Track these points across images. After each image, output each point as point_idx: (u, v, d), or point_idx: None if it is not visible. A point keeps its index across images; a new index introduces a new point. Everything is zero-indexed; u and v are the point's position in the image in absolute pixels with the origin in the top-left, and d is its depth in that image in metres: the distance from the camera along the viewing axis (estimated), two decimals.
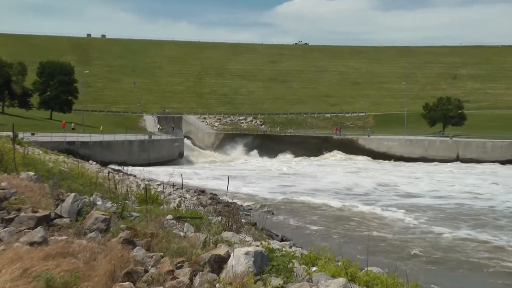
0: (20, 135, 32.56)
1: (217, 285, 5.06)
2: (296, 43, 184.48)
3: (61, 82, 79.18)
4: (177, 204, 13.40)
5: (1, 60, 76.68)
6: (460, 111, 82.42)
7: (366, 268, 6.30)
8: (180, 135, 71.80)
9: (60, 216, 6.85)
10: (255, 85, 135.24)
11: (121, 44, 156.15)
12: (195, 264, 5.52)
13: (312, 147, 71.63)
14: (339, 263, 6.58)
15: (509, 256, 18.08)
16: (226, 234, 7.86)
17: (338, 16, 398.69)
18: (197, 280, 5.19)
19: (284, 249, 6.76)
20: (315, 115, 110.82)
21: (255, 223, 17.58)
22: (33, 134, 43.27)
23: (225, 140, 79.55)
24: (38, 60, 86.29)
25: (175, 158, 61.31)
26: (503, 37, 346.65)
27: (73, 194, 7.34)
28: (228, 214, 10.00)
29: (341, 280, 5.09)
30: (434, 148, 64.93)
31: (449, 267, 16.87)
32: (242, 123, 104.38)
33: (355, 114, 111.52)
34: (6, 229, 6.19)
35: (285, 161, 65.97)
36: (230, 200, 22.53)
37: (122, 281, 4.95)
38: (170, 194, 24.51)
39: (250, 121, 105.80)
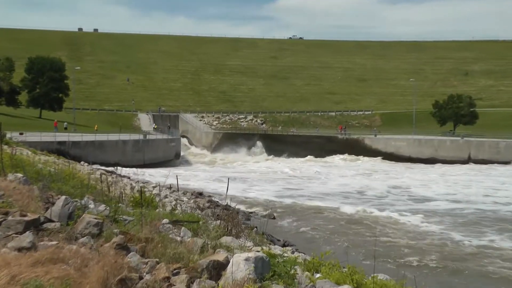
0: (8, 135, 32.52)
1: None
2: (290, 38, 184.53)
3: (51, 78, 79.19)
4: (173, 207, 13.40)
5: None
6: (471, 109, 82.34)
7: (372, 275, 6.28)
8: (177, 135, 71.82)
9: (50, 220, 6.84)
10: (255, 82, 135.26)
11: (115, 39, 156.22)
12: (192, 271, 5.52)
13: (316, 147, 71.65)
14: (345, 270, 6.57)
15: None
16: (225, 239, 7.86)
17: (342, 10, 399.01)
18: (194, 287, 5.18)
19: (286, 254, 6.76)
20: (319, 114, 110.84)
21: (256, 228, 17.58)
22: (21, 133, 43.25)
23: (224, 140, 79.58)
24: (27, 56, 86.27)
25: (171, 158, 61.32)
26: None
27: (63, 197, 7.33)
28: (227, 218, 10.01)
29: (346, 287, 5.09)
30: (445, 148, 64.91)
31: (467, 277, 16.45)
32: (242, 122, 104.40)
33: (361, 113, 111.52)
34: None
35: (288, 162, 66.00)
36: (229, 203, 22.55)
37: None
38: (166, 196, 24.51)
39: (250, 120, 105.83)
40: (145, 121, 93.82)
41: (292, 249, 15.99)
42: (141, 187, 17.07)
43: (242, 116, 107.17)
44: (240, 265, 5.33)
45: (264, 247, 8.60)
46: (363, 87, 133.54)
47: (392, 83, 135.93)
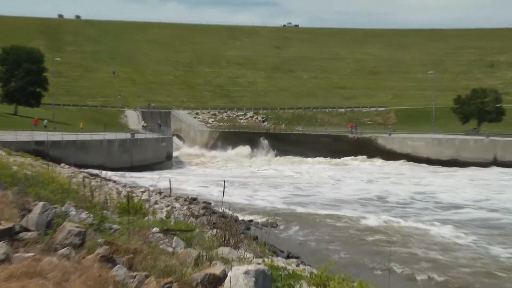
0: None
1: None
2: (284, 25, 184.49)
3: (28, 71, 79.11)
4: (165, 214, 13.40)
5: None
6: (498, 105, 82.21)
7: None
8: (168, 134, 71.79)
9: (26, 229, 6.83)
10: (256, 75, 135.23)
11: (99, 27, 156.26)
12: (185, 285, 5.51)
13: (323, 147, 71.63)
14: (355, 284, 6.56)
15: None
16: (222, 250, 7.85)
17: None
18: None
19: (290, 267, 6.74)
20: (327, 110, 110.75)
21: (257, 237, 17.56)
22: None
23: (221, 139, 79.58)
24: (1, 46, 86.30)
25: (163, 160, 61.29)
26: None
27: (41, 203, 7.32)
28: (225, 226, 9.99)
29: None
30: (467, 149, 64.85)
31: None
32: (241, 119, 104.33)
33: (374, 109, 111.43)
34: None
35: (293, 164, 65.97)
36: (227, 210, 22.55)
37: None
38: (156, 202, 24.51)
39: (250, 117, 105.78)
40: (133, 118, 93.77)
41: (297, 261, 15.98)
42: (128, 192, 17.06)
43: (241, 113, 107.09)
44: (238, 279, 5.32)
45: (265, 259, 8.58)
46: (377, 80, 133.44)
47: (408, 76, 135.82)
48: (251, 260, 7.89)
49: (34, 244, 6.26)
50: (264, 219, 27.48)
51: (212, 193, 37.14)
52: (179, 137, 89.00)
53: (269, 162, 69.27)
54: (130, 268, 6.03)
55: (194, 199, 32.44)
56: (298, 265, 13.47)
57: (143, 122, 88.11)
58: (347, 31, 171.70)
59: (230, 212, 14.49)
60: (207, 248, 7.53)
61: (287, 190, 41.61)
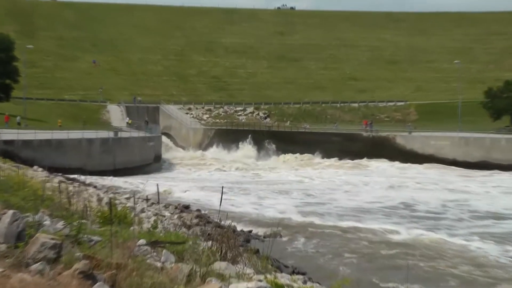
0: None
1: None
2: (278, 8, 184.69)
3: None
4: (152, 224, 13.38)
5: None
6: None
7: None
8: (157, 132, 71.80)
9: None
10: (257, 65, 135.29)
11: (77, 10, 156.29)
12: None
13: (334, 147, 71.57)
14: None
15: None
16: (219, 265, 7.83)
17: None
18: None
19: (295, 284, 6.73)
20: (338, 105, 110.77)
21: (258, 250, 17.54)
22: None
23: (217, 138, 79.59)
24: None
25: (150, 162, 61.28)
26: None
27: (11, 212, 7.31)
28: (221, 238, 9.97)
29: None
30: (499, 149, 64.70)
31: None
32: (240, 115, 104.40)
33: (392, 104, 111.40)
34: None
35: (301, 167, 65.96)
36: (225, 220, 22.53)
37: None
38: (142, 211, 24.50)
39: (250, 113, 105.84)
40: (116, 114, 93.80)
41: (304, 277, 15.96)
42: (110, 198, 17.04)
43: (240, 108, 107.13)
44: None
45: (268, 275, 8.57)
46: (395, 71, 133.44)
47: (431, 66, 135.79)
48: (252, 277, 7.89)
49: (2, 259, 6.25)
50: (268, 230, 27.28)
51: (209, 200, 37.09)
52: (169, 136, 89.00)
53: (272, 164, 69.27)
54: (113, 286, 6.02)
55: (186, 207, 32.42)
56: (305, 282, 13.46)
57: (127, 118, 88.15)
58: (361, 14, 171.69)
59: (228, 222, 14.50)
60: (201, 263, 7.52)
61: (297, 198, 41.41)
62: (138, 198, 26.27)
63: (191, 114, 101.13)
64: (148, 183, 24.84)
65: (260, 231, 27.53)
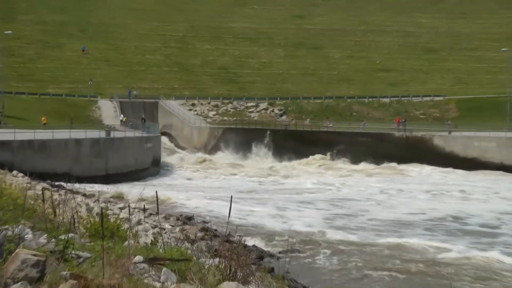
0: None
1: None
2: None
3: None
4: (152, 240, 13.39)
5: None
6: None
7: None
8: (155, 131, 71.90)
9: None
10: (271, 54, 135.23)
11: None
12: None
13: (361, 150, 71.41)
14: None
15: None
16: (227, 286, 7.82)
17: None
18: None
19: None
20: (366, 100, 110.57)
21: (272, 269, 17.51)
22: None
23: (225, 138, 79.50)
24: None
25: (147, 166, 61.38)
26: None
27: None
28: (230, 254, 9.94)
29: None
30: None
31: None
32: (252, 112, 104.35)
33: (428, 99, 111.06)
34: None
35: (324, 172, 65.79)
36: (234, 233, 22.51)
37: None
38: (139, 222, 24.55)
39: (264, 109, 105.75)
40: (108, 110, 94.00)
41: None
42: (102, 208, 17.05)
43: (251, 104, 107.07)
44: None
45: None
46: (432, 60, 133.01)
47: (475, 54, 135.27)
48: None
49: None
50: (289, 246, 26.98)
51: (213, 210, 37.10)
52: (170, 136, 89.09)
53: (291, 169, 69.19)
54: None
55: (190, 218, 32.45)
56: None
57: (122, 116, 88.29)
58: None
59: (237, 236, 14.47)
60: (207, 283, 7.51)
61: (322, 208, 41.23)
62: (134, 208, 26.26)
63: (195, 110, 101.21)
64: (146, 191, 24.75)
65: (279, 247, 27.40)
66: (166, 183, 55.53)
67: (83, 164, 52.00)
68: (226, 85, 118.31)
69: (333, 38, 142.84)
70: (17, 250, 6.92)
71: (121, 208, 30.88)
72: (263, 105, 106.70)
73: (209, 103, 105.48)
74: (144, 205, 25.82)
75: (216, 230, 28.75)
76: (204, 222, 31.92)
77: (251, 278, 9.89)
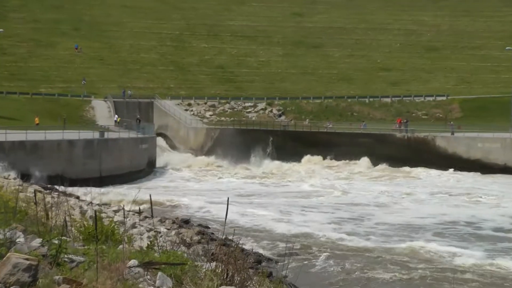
0: None
1: None
2: None
3: None
4: (146, 242, 13.40)
5: None
6: None
7: None
8: (151, 132, 71.90)
9: None
10: (270, 53, 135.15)
11: None
12: None
13: (362, 151, 71.44)
14: None
15: None
16: None
17: None
18: None
19: None
20: (366, 100, 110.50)
21: (271, 273, 17.52)
22: None
23: (222, 139, 79.35)
24: None
25: (143, 168, 61.39)
26: None
27: None
28: (227, 258, 9.95)
29: None
30: None
31: None
32: (250, 112, 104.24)
33: (431, 99, 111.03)
34: None
35: (325, 175, 65.69)
36: (231, 237, 22.56)
37: None
38: (134, 226, 24.54)
39: (262, 109, 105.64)
40: (102, 111, 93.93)
41: None
42: (96, 211, 17.05)
43: (249, 104, 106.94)
44: None
45: None
46: (435, 59, 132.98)
47: (479, 53, 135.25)
48: None
49: None
50: (291, 250, 26.86)
51: (210, 213, 37.17)
52: (165, 137, 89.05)
53: (289, 171, 69.16)
54: None
55: (186, 221, 32.46)
56: None
57: (116, 116, 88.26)
58: None
59: (235, 240, 14.46)
60: (204, 287, 7.52)
61: (327, 212, 41.24)
62: (129, 211, 26.28)
63: (191, 111, 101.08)
64: (140, 193, 24.70)
65: (281, 251, 27.35)
66: (162, 185, 55.56)
67: (77, 165, 52.02)
68: (223, 85, 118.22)
69: (333, 36, 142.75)
70: (8, 254, 6.92)
71: (115, 211, 30.89)
72: (261, 105, 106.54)
73: (205, 103, 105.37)
74: (139, 208, 25.88)
75: (212, 233, 28.80)
76: (201, 225, 31.94)
77: (249, 282, 9.90)
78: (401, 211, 42.49)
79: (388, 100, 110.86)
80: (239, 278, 9.54)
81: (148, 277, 8.36)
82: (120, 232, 14.19)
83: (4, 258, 6.79)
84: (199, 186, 57.06)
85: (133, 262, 8.77)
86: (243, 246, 24.94)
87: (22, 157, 47.55)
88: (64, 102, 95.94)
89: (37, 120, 71.30)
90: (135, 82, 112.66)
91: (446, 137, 71.39)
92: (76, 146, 53.43)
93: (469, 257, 27.26)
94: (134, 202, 24.68)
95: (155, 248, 11.96)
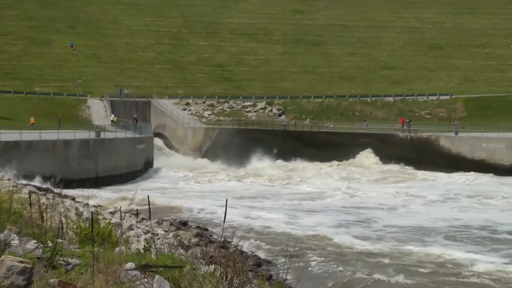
0: None
1: None
2: None
3: None
4: (145, 246, 13.40)
5: None
6: None
7: None
8: (148, 132, 71.91)
9: None
10: (270, 51, 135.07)
11: None
12: None
13: (364, 152, 71.49)
14: None
15: None
16: None
17: None
18: None
19: None
20: (368, 99, 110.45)
21: (271, 276, 17.52)
22: None
23: (221, 139, 79.34)
24: None
25: (140, 168, 61.40)
26: None
27: None
28: (226, 261, 9.96)
29: None
30: None
31: None
32: (249, 112, 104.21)
33: (434, 98, 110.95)
34: None
35: (326, 176, 65.65)
36: (231, 239, 22.52)
37: None
38: (131, 228, 24.55)
39: (261, 108, 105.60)
40: (98, 110, 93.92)
41: None
42: (92, 213, 17.05)
43: (249, 104, 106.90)
44: None
45: None
46: (438, 58, 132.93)
47: (483, 51, 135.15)
48: None
49: None
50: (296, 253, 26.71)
51: (208, 214, 37.16)
52: (163, 137, 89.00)
53: (290, 171, 69.14)
54: None
55: (184, 223, 32.48)
56: None
57: (112, 116, 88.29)
58: None
59: (235, 242, 14.46)
60: None
61: (332, 215, 41.04)
62: (126, 212, 26.29)
63: (190, 110, 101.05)
64: (137, 194, 24.76)
65: (282, 254, 27.23)
66: (159, 186, 55.54)
67: (72, 166, 52.00)
68: (222, 84, 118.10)
69: (334, 34, 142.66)
70: (2, 257, 6.92)
71: (111, 213, 30.88)
72: (261, 104, 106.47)
73: (204, 102, 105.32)
74: (137, 210, 25.94)
75: (211, 235, 28.81)
76: (199, 227, 31.96)
77: (248, 285, 9.91)
78: (410, 213, 42.39)
79: (390, 99, 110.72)
80: (238, 281, 9.56)
81: (145, 280, 8.37)
82: (117, 234, 14.20)
83: None
84: (197, 187, 57.06)
85: (130, 265, 8.77)
86: (243, 249, 25.02)
87: (17, 158, 47.51)
88: (59, 101, 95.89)
89: (32, 120, 71.29)
90: (132, 81, 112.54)
91: (450, 137, 71.38)
92: (72, 146, 53.43)
93: (487, 262, 26.98)
94: (131, 203, 24.66)
95: (152, 250, 11.97)
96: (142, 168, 62.28)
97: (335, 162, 71.91)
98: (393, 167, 68.65)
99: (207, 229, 31.98)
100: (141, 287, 7.76)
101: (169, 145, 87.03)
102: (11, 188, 26.76)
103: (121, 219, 23.64)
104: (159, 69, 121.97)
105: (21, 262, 6.71)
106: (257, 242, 30.24)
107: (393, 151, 70.76)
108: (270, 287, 13.10)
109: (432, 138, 71.71)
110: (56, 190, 34.04)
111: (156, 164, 69.11)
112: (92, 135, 58.30)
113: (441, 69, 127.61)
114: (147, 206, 15.63)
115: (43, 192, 34.10)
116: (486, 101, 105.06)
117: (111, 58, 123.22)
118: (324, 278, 24.17)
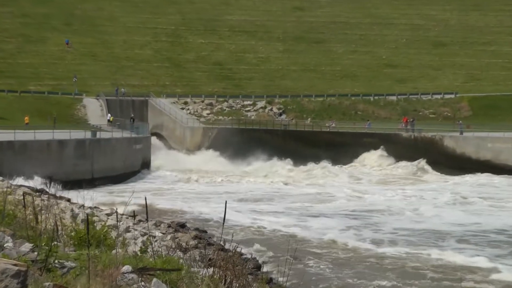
0: None
1: None
2: None
3: None
4: (140, 247, 13.40)
5: None
6: None
7: None
8: (145, 132, 71.89)
9: None
10: (270, 48, 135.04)
11: None
12: None
13: (366, 152, 71.52)
14: None
15: None
16: None
17: None
18: None
19: None
20: (371, 98, 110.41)
21: (271, 279, 17.51)
22: None
23: (220, 139, 79.30)
24: None
25: (137, 169, 61.38)
26: None
27: None
28: (225, 264, 9.95)
29: None
30: None
31: None
32: (249, 111, 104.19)
33: (439, 97, 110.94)
34: None
35: (328, 177, 65.68)
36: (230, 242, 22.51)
37: None
38: (128, 230, 24.53)
39: (261, 108, 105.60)
40: (94, 109, 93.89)
41: None
42: (87, 214, 17.05)
43: (248, 103, 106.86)
44: None
45: None
46: (443, 55, 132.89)
47: (489, 49, 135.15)
48: None
49: None
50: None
51: (207, 216, 37.16)
52: (160, 137, 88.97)
53: (290, 172, 69.12)
54: None
55: (182, 225, 32.46)
56: None
57: (109, 115, 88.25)
58: None
59: (233, 245, 14.44)
60: None
61: (335, 219, 40.88)
62: (122, 214, 26.29)
63: (188, 109, 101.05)
64: (134, 195, 24.70)
65: (283, 257, 27.19)
66: (157, 187, 55.53)
67: (67, 166, 52.00)
68: (221, 82, 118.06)
69: (336, 31, 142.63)
70: None
71: (108, 215, 30.88)
72: (261, 103, 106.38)
73: (202, 101, 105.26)
74: (134, 211, 25.91)
75: (210, 238, 28.81)
76: (198, 229, 31.97)
77: None
78: (419, 216, 42.27)
79: (393, 98, 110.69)
80: (237, 285, 9.55)
81: (143, 283, 8.36)
82: (113, 237, 14.20)
83: None
84: (195, 188, 57.06)
85: (127, 268, 8.76)
86: (242, 251, 25.02)
87: (11, 158, 47.54)
88: (54, 100, 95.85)
89: (27, 119, 71.29)
90: (129, 79, 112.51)
91: (455, 137, 71.38)
92: (67, 146, 53.44)
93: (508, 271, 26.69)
94: (128, 204, 24.67)
95: (150, 253, 11.97)
96: (139, 169, 62.26)
97: (337, 163, 71.88)
98: (398, 167, 68.66)
99: (205, 231, 32.00)
100: None
101: (167, 145, 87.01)
102: (5, 189, 26.75)
103: (117, 221, 23.63)
104: (156, 67, 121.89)
105: (15, 265, 6.70)
106: (257, 244, 30.29)
107: (397, 150, 70.78)
108: None
109: (436, 138, 71.72)
110: (51, 191, 34.07)
111: (153, 164, 69.09)
112: (87, 135, 58.32)
113: (445, 67, 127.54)
114: (144, 208, 15.67)
115: (37, 193, 34.01)
116: (491, 100, 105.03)
117: (107, 56, 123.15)
118: (326, 282, 24.16)
